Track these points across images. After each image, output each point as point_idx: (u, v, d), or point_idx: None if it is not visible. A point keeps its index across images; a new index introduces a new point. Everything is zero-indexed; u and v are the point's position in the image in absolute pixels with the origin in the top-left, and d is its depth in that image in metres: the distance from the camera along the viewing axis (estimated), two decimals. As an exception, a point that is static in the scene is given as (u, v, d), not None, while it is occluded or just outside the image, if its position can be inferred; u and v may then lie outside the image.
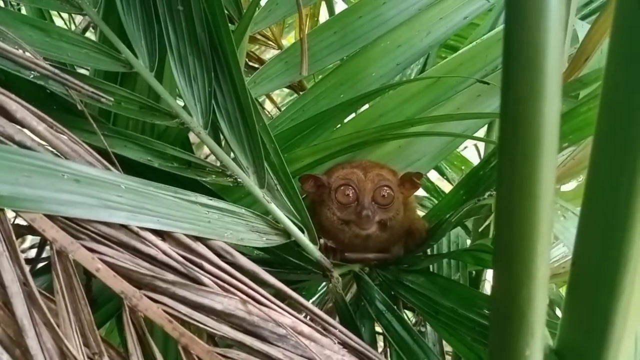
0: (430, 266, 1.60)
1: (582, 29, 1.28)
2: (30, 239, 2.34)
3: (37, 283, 0.94)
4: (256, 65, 1.90)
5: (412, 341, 1.07)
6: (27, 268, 0.83)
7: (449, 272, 1.50)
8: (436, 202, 1.95)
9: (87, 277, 1.00)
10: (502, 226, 0.63)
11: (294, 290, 1.08)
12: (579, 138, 1.14)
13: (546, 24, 0.53)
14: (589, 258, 0.67)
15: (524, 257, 0.62)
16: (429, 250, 1.59)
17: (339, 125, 1.63)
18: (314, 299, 1.65)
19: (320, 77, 1.81)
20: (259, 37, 2.04)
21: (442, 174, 2.16)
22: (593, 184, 0.63)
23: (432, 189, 2.15)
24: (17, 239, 0.86)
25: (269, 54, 2.40)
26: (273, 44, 2.06)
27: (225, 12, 1.47)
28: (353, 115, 1.70)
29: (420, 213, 1.90)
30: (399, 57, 1.69)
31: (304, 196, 1.46)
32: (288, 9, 1.62)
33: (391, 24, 1.67)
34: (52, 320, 0.82)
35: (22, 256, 0.83)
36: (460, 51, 1.66)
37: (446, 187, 2.14)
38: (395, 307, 1.18)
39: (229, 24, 1.16)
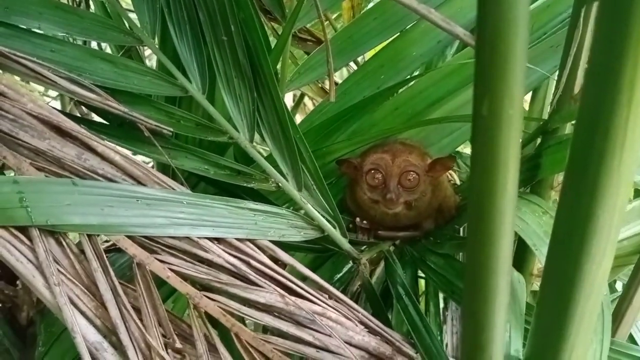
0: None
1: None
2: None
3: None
4: (305, 37, 1.99)
5: (422, 326, 1.29)
6: (117, 280, 1.11)
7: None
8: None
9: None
10: (472, 217, 0.72)
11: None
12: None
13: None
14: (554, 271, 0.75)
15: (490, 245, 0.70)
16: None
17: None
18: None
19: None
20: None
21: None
22: (561, 205, 0.69)
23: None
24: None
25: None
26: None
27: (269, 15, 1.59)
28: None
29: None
30: (440, 35, 1.73)
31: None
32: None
33: (434, 3, 1.69)
34: (134, 317, 1.11)
35: (112, 272, 1.11)
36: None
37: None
38: (412, 292, 1.38)
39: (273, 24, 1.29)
